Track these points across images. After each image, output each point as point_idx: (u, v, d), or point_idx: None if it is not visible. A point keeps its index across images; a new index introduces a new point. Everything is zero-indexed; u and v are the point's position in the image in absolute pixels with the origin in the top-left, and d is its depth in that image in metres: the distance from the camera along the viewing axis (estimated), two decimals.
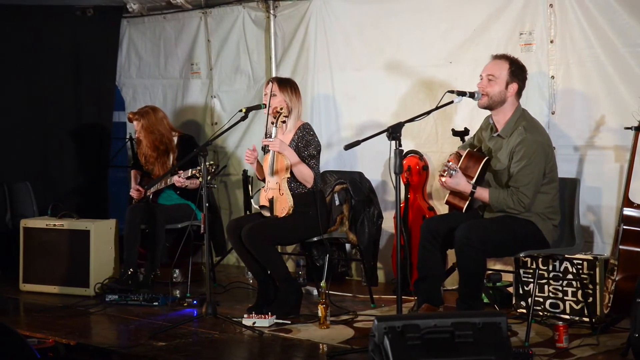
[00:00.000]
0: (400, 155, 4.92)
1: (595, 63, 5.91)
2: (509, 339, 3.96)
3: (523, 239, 5.32)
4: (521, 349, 4.92)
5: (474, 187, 5.36)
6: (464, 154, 5.56)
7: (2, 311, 6.43)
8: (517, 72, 5.43)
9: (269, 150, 6.04)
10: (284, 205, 6.02)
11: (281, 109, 5.99)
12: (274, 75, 7.60)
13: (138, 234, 6.83)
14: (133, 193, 7.19)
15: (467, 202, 5.44)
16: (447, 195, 5.57)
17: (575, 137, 6.04)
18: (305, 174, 5.99)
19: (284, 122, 6.02)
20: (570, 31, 6.01)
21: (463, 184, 5.37)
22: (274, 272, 5.98)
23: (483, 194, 5.37)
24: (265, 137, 6.03)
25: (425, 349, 3.80)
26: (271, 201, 6.07)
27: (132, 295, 6.50)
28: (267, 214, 6.11)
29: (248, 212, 7.56)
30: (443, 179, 5.39)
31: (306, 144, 6.02)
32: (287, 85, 6.14)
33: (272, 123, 5.97)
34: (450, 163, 5.36)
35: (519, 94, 5.46)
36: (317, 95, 7.35)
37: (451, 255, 5.57)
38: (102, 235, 6.87)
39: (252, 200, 7.45)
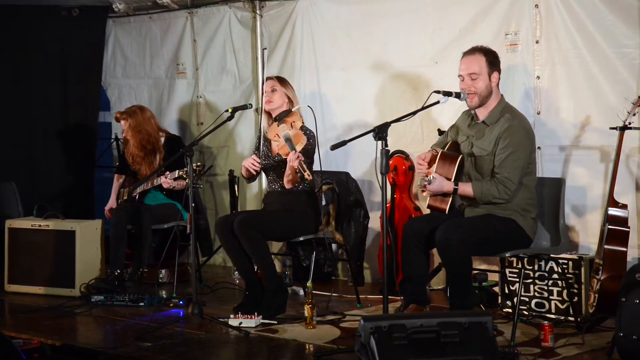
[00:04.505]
0: (386, 155, 4.93)
1: (580, 63, 5.93)
2: (494, 338, 3.97)
3: (505, 237, 5.33)
4: (507, 348, 4.93)
5: (456, 184, 5.38)
6: (437, 155, 5.56)
7: None
8: (495, 61, 5.46)
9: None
10: (300, 137, 5.99)
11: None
12: (260, 75, 7.61)
13: (124, 235, 6.82)
14: (107, 211, 7.23)
15: (449, 204, 5.45)
16: (428, 199, 5.57)
17: (560, 137, 6.06)
18: None
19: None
20: (555, 31, 6.03)
21: (445, 185, 5.39)
22: (260, 266, 5.96)
23: (466, 189, 5.38)
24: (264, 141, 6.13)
25: (412, 348, 3.80)
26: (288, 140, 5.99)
27: (118, 296, 6.48)
28: (285, 148, 5.98)
29: (235, 212, 7.55)
30: (424, 193, 5.42)
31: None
32: (284, 80, 6.33)
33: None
34: (429, 177, 5.37)
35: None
36: (304, 96, 7.34)
37: (437, 255, 5.58)
38: (87, 236, 6.85)
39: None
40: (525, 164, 5.35)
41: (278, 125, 6.13)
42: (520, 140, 5.33)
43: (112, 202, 7.38)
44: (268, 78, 6.34)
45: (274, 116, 6.22)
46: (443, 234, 5.19)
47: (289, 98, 6.24)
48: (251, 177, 6.32)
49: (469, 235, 5.21)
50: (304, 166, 5.77)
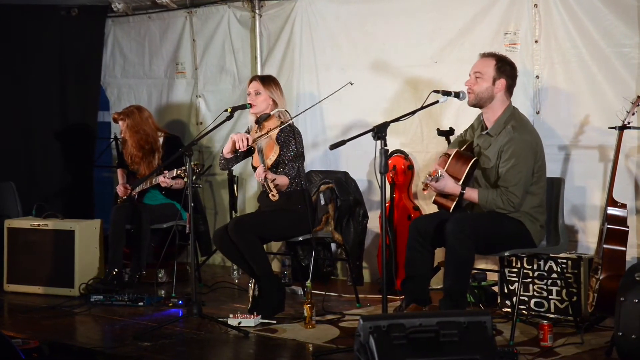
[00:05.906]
0: (385, 154, 4.92)
1: (579, 63, 5.93)
2: (493, 338, 3.96)
3: (511, 237, 5.33)
4: (506, 347, 4.93)
5: (463, 188, 5.37)
6: (452, 154, 5.55)
7: None
8: (504, 68, 5.44)
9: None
10: (272, 149, 5.95)
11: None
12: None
13: (123, 234, 6.82)
14: (119, 189, 7.15)
15: (455, 202, 5.44)
16: (435, 195, 5.56)
17: (560, 136, 6.06)
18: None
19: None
20: (554, 31, 6.03)
21: (450, 186, 5.37)
22: (256, 266, 5.93)
23: (472, 194, 5.37)
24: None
25: (411, 348, 3.80)
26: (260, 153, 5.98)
27: (117, 296, 6.48)
28: (258, 159, 5.99)
29: (234, 213, 7.55)
30: (425, 192, 5.42)
31: (287, 145, 6.02)
32: (269, 81, 6.22)
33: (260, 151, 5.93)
34: (434, 175, 5.35)
35: (508, 91, 5.47)
36: (303, 95, 7.35)
37: (437, 255, 5.57)
38: (86, 236, 6.85)
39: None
40: (529, 176, 5.34)
41: (257, 131, 6.10)
42: (521, 152, 5.31)
43: (122, 184, 7.22)
44: (252, 79, 6.28)
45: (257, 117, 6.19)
46: (455, 226, 5.17)
47: (273, 100, 6.18)
48: (230, 160, 6.25)
49: (480, 228, 5.22)
50: (270, 185, 5.71)
